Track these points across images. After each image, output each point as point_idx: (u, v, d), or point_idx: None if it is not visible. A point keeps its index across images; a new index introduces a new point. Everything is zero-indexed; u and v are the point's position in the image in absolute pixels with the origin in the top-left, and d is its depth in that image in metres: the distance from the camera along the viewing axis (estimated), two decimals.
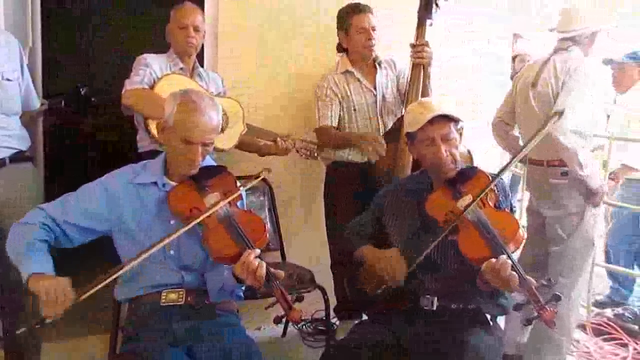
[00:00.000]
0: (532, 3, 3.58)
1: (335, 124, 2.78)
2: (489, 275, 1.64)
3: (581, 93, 2.44)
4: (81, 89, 5.51)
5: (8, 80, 2.13)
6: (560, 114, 1.93)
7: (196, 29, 2.58)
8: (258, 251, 1.64)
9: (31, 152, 3.18)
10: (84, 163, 4.79)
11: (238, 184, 1.87)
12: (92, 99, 4.67)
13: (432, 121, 1.84)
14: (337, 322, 3.06)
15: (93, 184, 1.83)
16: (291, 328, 3.13)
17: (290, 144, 2.66)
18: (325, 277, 2.87)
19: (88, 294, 1.56)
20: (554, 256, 2.59)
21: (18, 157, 2.20)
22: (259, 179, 1.92)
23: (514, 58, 3.93)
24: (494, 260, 1.63)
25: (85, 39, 5.46)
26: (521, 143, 2.74)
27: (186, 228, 1.69)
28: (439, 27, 2.76)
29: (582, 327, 3.30)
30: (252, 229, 1.72)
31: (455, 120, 1.89)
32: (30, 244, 1.65)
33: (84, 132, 5.22)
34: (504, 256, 1.63)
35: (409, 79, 2.69)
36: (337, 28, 2.81)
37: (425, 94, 2.67)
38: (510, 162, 1.83)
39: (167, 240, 1.66)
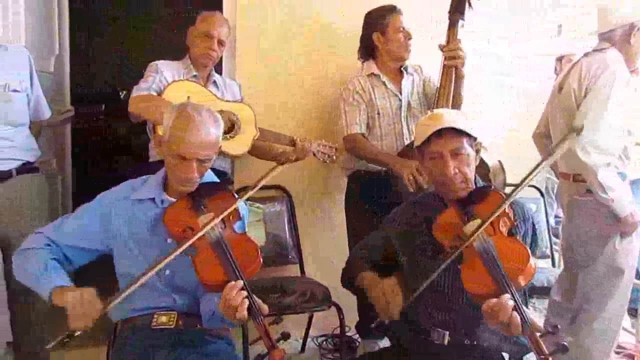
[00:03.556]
0: (532, 3, 3.37)
1: (364, 130, 2.67)
2: (488, 316, 1.46)
3: (605, 102, 2.15)
4: (120, 93, 5.62)
5: (15, 91, 2.11)
6: (579, 131, 1.69)
7: (220, 42, 2.53)
8: (241, 283, 1.51)
9: (59, 157, 3.24)
10: (114, 167, 4.86)
11: (238, 201, 1.74)
12: None
13: (441, 134, 1.67)
14: (359, 340, 2.94)
15: (90, 204, 1.78)
16: (310, 343, 3.05)
17: (307, 146, 2.54)
18: (346, 292, 2.74)
19: (114, 302, 1.52)
20: (580, 280, 2.34)
21: (25, 169, 2.18)
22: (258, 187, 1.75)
23: (559, 59, 3.65)
24: (493, 300, 1.44)
25: (112, 41, 5.52)
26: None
27: (178, 251, 1.59)
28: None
29: (630, 357, 3.03)
30: (242, 256, 1.59)
31: (469, 135, 1.72)
32: (44, 263, 1.63)
33: (117, 135, 5.29)
34: (507, 296, 1.44)
35: (439, 82, 2.54)
36: (369, 30, 2.68)
37: (456, 97, 2.52)
38: (520, 184, 1.61)
39: (163, 263, 1.57)
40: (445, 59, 2.50)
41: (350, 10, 2.95)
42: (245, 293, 1.49)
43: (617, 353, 2.93)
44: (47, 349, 1.51)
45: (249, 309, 1.47)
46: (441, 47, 2.52)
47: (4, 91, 2.07)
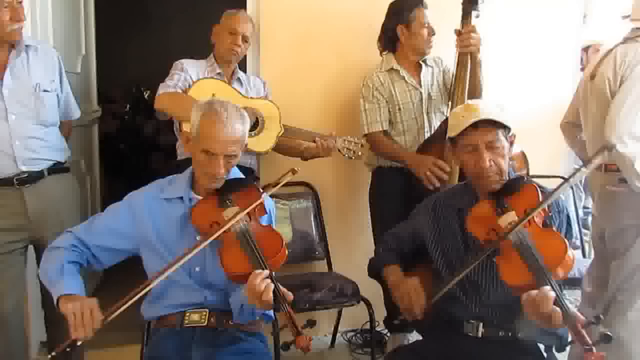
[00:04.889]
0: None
1: (386, 127, 2.65)
2: (528, 308, 1.44)
3: None
4: (144, 93, 5.70)
5: (45, 91, 2.12)
6: (611, 148, 1.66)
7: (245, 39, 2.56)
8: (267, 272, 1.52)
9: (86, 158, 3.28)
10: (141, 165, 4.90)
11: (263, 195, 1.77)
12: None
13: (476, 126, 1.66)
14: (388, 334, 2.92)
15: (119, 203, 1.80)
16: (340, 338, 3.05)
17: (332, 142, 2.53)
18: (375, 287, 2.74)
19: (115, 314, 1.52)
20: (613, 271, 2.28)
21: (56, 169, 2.19)
22: (281, 184, 1.77)
23: (586, 49, 3.57)
24: (534, 292, 1.42)
25: (136, 41, 5.57)
26: (587, 147, 2.45)
27: (202, 245, 1.60)
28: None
29: None
30: (268, 246, 1.61)
31: (504, 126, 1.70)
32: (60, 267, 1.65)
33: (143, 134, 5.35)
34: (547, 287, 1.42)
35: (455, 71, 2.51)
36: (393, 21, 2.64)
37: (475, 84, 2.49)
38: (556, 190, 1.60)
39: (185, 258, 1.58)
40: (459, 45, 2.46)
41: (369, 3, 2.92)
42: (269, 280, 1.50)
43: None
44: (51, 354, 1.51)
45: (274, 295, 1.48)
46: (457, 33, 2.48)
47: (35, 91, 2.09)
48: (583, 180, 3.97)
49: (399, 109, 2.64)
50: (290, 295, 1.51)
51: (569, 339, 1.54)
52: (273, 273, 1.55)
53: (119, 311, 1.51)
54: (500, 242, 1.55)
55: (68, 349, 1.48)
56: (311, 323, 1.50)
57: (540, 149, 3.10)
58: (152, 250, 1.74)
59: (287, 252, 1.63)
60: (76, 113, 2.39)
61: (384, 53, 2.72)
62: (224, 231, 1.62)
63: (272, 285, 1.48)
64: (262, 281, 1.48)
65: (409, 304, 1.64)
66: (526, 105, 3.17)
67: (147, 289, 1.58)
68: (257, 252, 1.57)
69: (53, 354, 1.49)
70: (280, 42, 2.91)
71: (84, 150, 3.29)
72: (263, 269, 1.52)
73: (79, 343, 1.49)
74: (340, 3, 2.96)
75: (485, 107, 1.72)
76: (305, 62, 2.95)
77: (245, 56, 2.78)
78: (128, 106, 5.40)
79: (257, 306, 1.51)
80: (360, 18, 2.92)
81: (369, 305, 2.56)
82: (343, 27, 2.96)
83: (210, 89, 2.37)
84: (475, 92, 2.51)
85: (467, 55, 2.46)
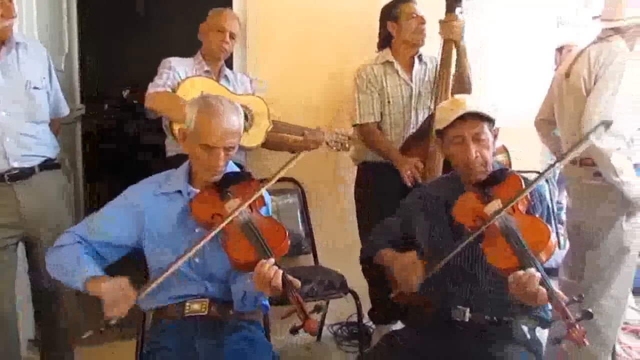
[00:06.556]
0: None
1: (378, 118, 2.71)
2: (515, 288, 1.52)
3: (615, 90, 2.21)
4: (123, 92, 5.65)
5: (35, 88, 2.12)
6: (607, 125, 1.76)
7: (232, 36, 2.60)
8: (272, 260, 1.57)
9: (70, 156, 3.27)
10: (127, 166, 4.88)
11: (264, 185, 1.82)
12: (134, 101, 4.72)
13: (463, 119, 1.74)
14: (373, 326, 2.98)
15: (116, 200, 1.83)
16: (326, 332, 3.10)
17: (320, 135, 2.59)
18: (360, 281, 2.79)
19: (147, 290, 1.58)
20: (588, 261, 2.41)
21: (47, 165, 2.20)
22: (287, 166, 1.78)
23: (559, 49, 3.71)
24: (520, 272, 1.51)
25: (115, 40, 5.54)
26: (562, 143, 2.56)
27: (210, 236, 1.64)
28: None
29: (635, 332, 3.13)
30: (272, 235, 1.66)
31: (489, 120, 1.78)
32: (76, 257, 1.68)
33: (127, 134, 5.32)
34: (532, 269, 1.51)
35: (440, 61, 2.60)
36: (384, 20, 2.73)
37: (462, 76, 2.58)
38: (542, 173, 1.70)
39: (194, 249, 1.63)
40: (441, 32, 2.55)
41: (369, 3, 2.97)
42: (277, 268, 1.55)
43: (623, 329, 3.00)
44: (76, 342, 1.55)
45: (283, 282, 1.53)
46: (440, 23, 2.58)
47: (26, 89, 2.09)
48: (557, 176, 4.11)
49: (389, 102, 2.70)
50: (297, 282, 1.57)
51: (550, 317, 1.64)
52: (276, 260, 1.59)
53: (150, 288, 1.57)
54: (487, 226, 1.63)
55: (102, 329, 1.54)
56: (318, 308, 1.56)
57: (537, 149, 3.21)
58: (154, 244, 1.77)
59: (289, 242, 1.68)
60: (65, 110, 2.39)
61: (380, 52, 2.79)
62: (228, 222, 1.65)
63: (280, 273, 1.53)
64: (270, 268, 1.54)
65: (407, 275, 1.69)
66: (526, 105, 3.26)
67: (161, 278, 1.60)
68: (263, 241, 1.62)
69: (89, 333, 1.58)
70: (280, 41, 2.95)
71: (67, 148, 3.27)
72: (268, 257, 1.57)
73: (112, 322, 1.54)
74: (339, 3, 3.02)
75: (472, 100, 1.80)
76: (304, 62, 3.00)
77: (231, 55, 2.81)
78: (106, 106, 5.37)
79: (265, 293, 1.56)
80: (360, 18, 2.97)
81: (356, 297, 2.62)
82: (342, 27, 3.01)
83: (199, 87, 2.41)
84: (463, 83, 2.60)
85: (451, 43, 2.55)
